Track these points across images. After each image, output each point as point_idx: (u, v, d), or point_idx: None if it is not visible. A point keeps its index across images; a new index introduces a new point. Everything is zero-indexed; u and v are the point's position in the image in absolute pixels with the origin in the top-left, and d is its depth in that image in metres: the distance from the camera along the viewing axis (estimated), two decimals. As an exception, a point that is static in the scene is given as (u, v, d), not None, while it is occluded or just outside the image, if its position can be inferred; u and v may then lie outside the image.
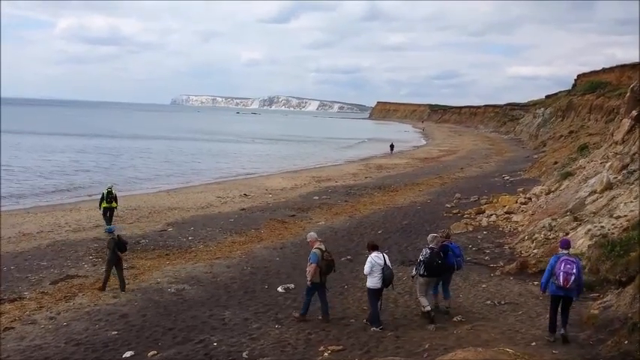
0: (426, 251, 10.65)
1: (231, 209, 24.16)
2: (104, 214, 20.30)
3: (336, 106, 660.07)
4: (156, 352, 9.65)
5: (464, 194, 26.29)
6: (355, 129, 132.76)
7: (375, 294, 10.31)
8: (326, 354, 9.03)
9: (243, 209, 24.05)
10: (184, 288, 13.32)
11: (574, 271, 8.60)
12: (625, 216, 13.46)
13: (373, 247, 10.55)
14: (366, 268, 10.33)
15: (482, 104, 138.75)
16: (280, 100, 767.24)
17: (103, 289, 13.21)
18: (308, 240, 11.29)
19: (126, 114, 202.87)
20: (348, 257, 15.68)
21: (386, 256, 10.53)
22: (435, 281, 10.82)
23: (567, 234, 14.22)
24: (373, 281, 10.26)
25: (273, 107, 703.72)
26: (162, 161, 47.91)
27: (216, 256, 16.54)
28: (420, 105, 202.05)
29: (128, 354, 9.64)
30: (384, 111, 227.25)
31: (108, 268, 13.38)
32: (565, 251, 8.97)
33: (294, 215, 22.66)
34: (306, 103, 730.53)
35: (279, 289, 13.04)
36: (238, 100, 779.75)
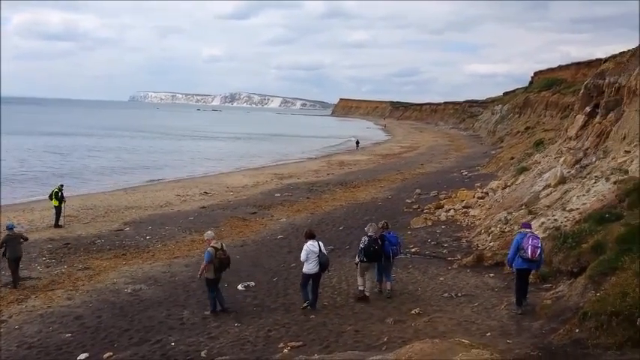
0: (364, 239, 11.46)
1: (191, 207, 23.82)
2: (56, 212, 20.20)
3: (298, 103, 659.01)
4: (111, 353, 9.48)
5: (424, 190, 26.63)
6: (323, 126, 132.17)
7: (308, 279, 11.13)
8: (285, 350, 8.99)
9: (203, 207, 23.74)
10: (141, 288, 13.09)
11: (539, 245, 9.77)
12: (577, 209, 13.86)
13: (310, 236, 11.28)
14: (303, 256, 11.10)
15: (442, 101, 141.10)
16: (242, 96, 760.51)
17: (15, 286, 13.27)
18: (205, 239, 11.78)
19: (82, 111, 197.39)
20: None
21: (321, 243, 11.23)
22: (375, 266, 11.63)
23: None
24: (309, 267, 11.04)
25: (234, 104, 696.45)
26: (119, 159, 46.82)
27: (175, 255, 16.30)
28: (381, 102, 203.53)
29: (82, 356, 9.45)
30: (347, 108, 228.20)
31: (13, 266, 13.43)
32: (528, 230, 10.11)
33: (255, 212, 22.51)
34: (268, 99, 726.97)
35: (239, 287, 12.95)
36: (199, 97, 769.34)
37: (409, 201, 23.95)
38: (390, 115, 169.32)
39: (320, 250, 11.02)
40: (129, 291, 12.87)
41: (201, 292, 12.67)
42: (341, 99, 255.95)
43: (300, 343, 9.29)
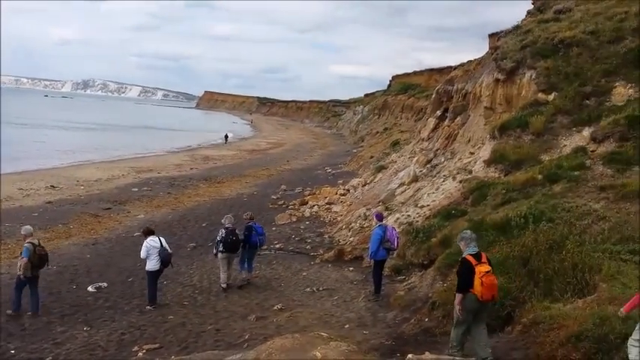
0: (221, 231, 11.69)
1: (35, 202, 21.62)
2: None
3: (160, 94, 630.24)
4: None
5: (289, 186, 26.93)
6: (186, 119, 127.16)
7: (153, 276, 10.92)
8: (140, 354, 8.55)
9: (49, 202, 21.67)
10: (-26, 292, 11.62)
11: (398, 234, 10.91)
12: (428, 205, 14.88)
13: (148, 233, 11.18)
14: (143, 253, 10.89)
15: (308, 99, 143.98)
16: (97, 83, 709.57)
17: None
18: (22, 234, 11.13)
19: None
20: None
21: (162, 239, 11.19)
22: (239, 259, 11.93)
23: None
24: (151, 264, 10.84)
25: (88, 91, 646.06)
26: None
27: (15, 254, 14.57)
28: (248, 97, 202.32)
29: None
30: (212, 101, 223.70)
31: None
32: (382, 222, 10.92)
33: (109, 208, 21.08)
34: (126, 88, 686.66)
35: (90, 288, 12.06)
36: (47, 82, 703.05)
37: (275, 197, 24.07)
38: (256, 110, 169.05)
39: (161, 245, 10.89)
40: (-42, 297, 11.38)
41: (46, 295, 11.58)
42: (206, 91, 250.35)
43: (157, 345, 8.89)
